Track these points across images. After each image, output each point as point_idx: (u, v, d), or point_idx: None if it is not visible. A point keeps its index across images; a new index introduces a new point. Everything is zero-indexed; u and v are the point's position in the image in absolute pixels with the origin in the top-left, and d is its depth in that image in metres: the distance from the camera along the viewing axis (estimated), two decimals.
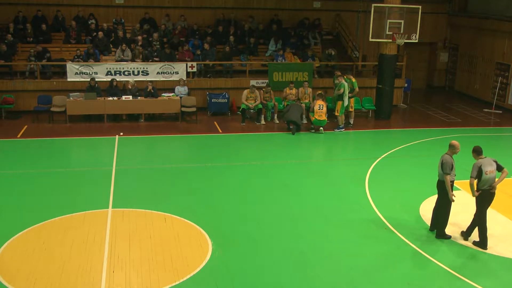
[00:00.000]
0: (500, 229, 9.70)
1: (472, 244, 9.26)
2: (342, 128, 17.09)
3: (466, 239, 9.37)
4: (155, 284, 7.77)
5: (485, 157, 9.01)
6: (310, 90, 18.08)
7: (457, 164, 9.23)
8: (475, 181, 8.97)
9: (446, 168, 9.03)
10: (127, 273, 8.04)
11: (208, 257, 8.55)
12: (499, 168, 9.04)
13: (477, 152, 9.04)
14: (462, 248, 9.18)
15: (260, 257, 8.69)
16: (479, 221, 9.17)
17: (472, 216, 9.35)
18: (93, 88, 17.22)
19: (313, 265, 8.47)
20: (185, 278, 7.91)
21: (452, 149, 9.18)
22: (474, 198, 9.14)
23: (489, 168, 8.89)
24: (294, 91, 18.03)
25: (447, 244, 9.28)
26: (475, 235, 9.32)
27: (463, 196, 10.92)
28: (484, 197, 9.00)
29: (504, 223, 10.05)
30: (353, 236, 9.54)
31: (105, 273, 8.03)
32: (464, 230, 9.48)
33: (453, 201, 9.17)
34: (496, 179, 9.03)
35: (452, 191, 9.16)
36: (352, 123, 17.73)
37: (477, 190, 8.97)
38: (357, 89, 17.69)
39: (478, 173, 8.82)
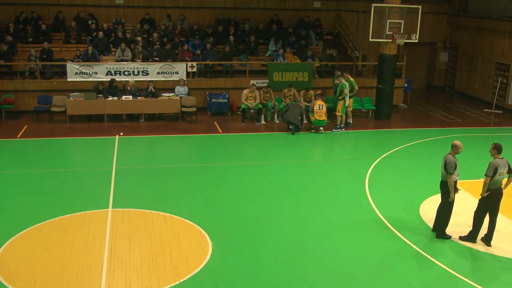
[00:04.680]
0: (500, 229, 9.69)
1: (472, 244, 9.27)
2: (340, 128, 17.08)
3: (488, 244, 9.24)
4: (155, 284, 7.77)
5: (502, 157, 8.96)
6: (312, 92, 18.00)
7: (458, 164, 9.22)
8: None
9: (449, 168, 8.99)
10: (127, 273, 8.04)
11: (208, 257, 8.55)
12: (509, 171, 8.99)
13: (498, 149, 8.94)
14: (463, 248, 9.18)
15: (260, 257, 8.69)
16: (478, 218, 9.19)
17: (472, 217, 9.38)
18: (101, 91, 17.19)
19: (313, 265, 8.47)
20: (185, 278, 7.91)
21: (455, 149, 9.15)
22: (480, 197, 9.12)
23: (503, 170, 8.87)
24: (292, 92, 18.02)
25: (448, 244, 9.29)
26: (471, 235, 9.34)
27: (463, 196, 10.92)
28: (491, 197, 8.99)
29: (504, 223, 10.05)
30: (353, 236, 9.54)
31: (105, 273, 8.03)
32: (483, 236, 9.37)
33: (452, 200, 9.16)
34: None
35: (454, 191, 9.15)
36: (351, 122, 17.73)
37: (486, 191, 8.96)
38: (356, 87, 17.70)
39: (493, 173, 8.80)
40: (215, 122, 17.70)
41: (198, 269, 8.18)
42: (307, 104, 17.61)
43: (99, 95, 17.08)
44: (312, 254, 8.82)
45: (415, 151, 14.97)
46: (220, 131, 16.71)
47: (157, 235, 9.27)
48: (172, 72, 18.67)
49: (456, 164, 9.06)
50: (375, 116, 19.11)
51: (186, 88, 18.34)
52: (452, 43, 24.94)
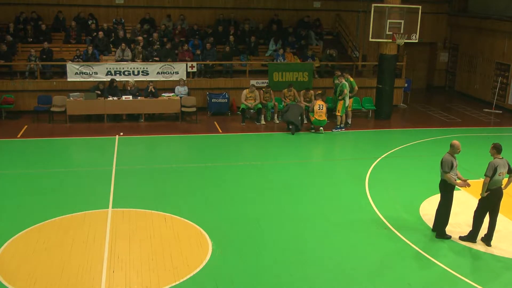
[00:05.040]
0: (500, 229, 9.69)
1: (472, 244, 9.28)
2: (340, 128, 17.08)
3: (488, 244, 9.24)
4: (155, 284, 7.77)
5: (502, 157, 8.95)
6: (312, 92, 18.01)
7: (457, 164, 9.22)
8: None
9: (444, 166, 9.05)
10: (127, 273, 8.04)
11: (208, 257, 8.55)
12: (509, 171, 8.98)
13: (498, 149, 8.94)
14: (463, 248, 9.18)
15: (260, 257, 8.69)
16: (478, 218, 9.20)
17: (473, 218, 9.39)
18: (101, 91, 17.20)
19: (313, 265, 8.47)
20: (185, 278, 7.92)
21: (453, 149, 9.18)
22: (480, 197, 9.12)
23: (503, 170, 8.86)
24: (292, 92, 18.00)
25: (448, 244, 9.29)
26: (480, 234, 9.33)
27: (463, 196, 10.92)
28: (491, 197, 8.98)
29: (504, 223, 10.05)
30: (353, 236, 9.54)
31: (105, 273, 8.03)
32: (483, 236, 9.36)
33: (469, 185, 9.26)
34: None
35: (461, 182, 9.18)
36: (350, 123, 17.73)
37: (486, 191, 8.96)
38: (356, 88, 17.70)
39: (493, 173, 8.80)
40: (215, 122, 17.70)
41: (198, 269, 8.18)
42: (307, 104, 17.61)
43: (97, 92, 17.04)
44: (312, 254, 8.82)
45: (415, 151, 14.97)
46: (220, 131, 16.71)
47: (157, 235, 9.27)
48: (172, 72, 18.67)
49: (453, 164, 9.06)
50: (375, 116, 19.11)
51: (186, 88, 18.34)
52: (452, 43, 24.94)
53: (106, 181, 11.88)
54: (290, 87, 18.00)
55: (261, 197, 11.29)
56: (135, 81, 18.07)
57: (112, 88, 17.40)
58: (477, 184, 9.60)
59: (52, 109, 17.16)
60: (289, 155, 14.45)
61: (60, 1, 20.66)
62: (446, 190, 9.27)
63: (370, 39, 18.04)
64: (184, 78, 18.60)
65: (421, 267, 8.55)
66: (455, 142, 9.21)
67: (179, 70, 18.67)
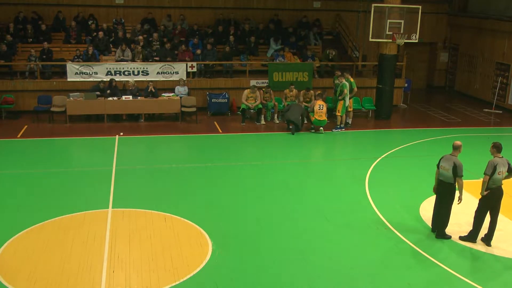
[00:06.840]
0: (500, 229, 9.68)
1: (472, 244, 9.28)
2: (340, 128, 17.08)
3: (488, 244, 9.24)
4: (155, 284, 7.77)
5: (502, 156, 8.96)
6: (312, 92, 18.02)
7: None
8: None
9: (461, 171, 9.00)
10: (127, 273, 8.04)
11: (208, 257, 8.55)
12: (509, 170, 8.98)
13: (498, 148, 8.95)
14: (463, 248, 9.19)
15: (260, 257, 8.69)
16: (478, 218, 9.19)
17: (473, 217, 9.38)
18: (102, 90, 17.21)
19: (313, 265, 8.47)
20: (185, 278, 7.92)
21: (459, 149, 9.16)
22: (480, 197, 9.12)
23: (502, 169, 8.87)
24: (294, 92, 18.01)
25: (448, 244, 9.29)
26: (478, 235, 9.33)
27: (464, 196, 10.87)
28: (491, 197, 8.98)
29: (504, 223, 10.05)
30: (353, 236, 9.55)
31: (105, 273, 8.03)
32: (483, 236, 9.36)
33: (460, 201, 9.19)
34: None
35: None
36: (350, 123, 17.73)
37: (486, 190, 8.97)
38: (355, 89, 17.69)
39: (492, 172, 8.80)
40: (215, 122, 17.70)
41: (198, 269, 8.18)
42: (307, 104, 17.61)
43: (99, 93, 17.04)
44: (312, 254, 8.82)
45: (415, 151, 14.97)
46: (220, 131, 16.71)
47: (157, 235, 9.27)
48: (172, 72, 18.66)
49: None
50: (375, 116, 19.10)
51: (186, 88, 18.34)
52: (452, 43, 24.94)
53: (106, 181, 11.88)
54: (292, 86, 17.98)
55: (261, 197, 11.29)
56: (135, 81, 18.07)
57: (111, 88, 17.40)
58: (477, 184, 9.60)
59: (52, 109, 17.16)
60: (289, 155, 14.45)
61: (60, 1, 20.66)
62: (450, 192, 9.26)
63: (370, 39, 18.04)
64: (184, 78, 18.59)
65: (421, 267, 8.55)
66: (460, 142, 9.20)
67: (179, 70, 18.67)
